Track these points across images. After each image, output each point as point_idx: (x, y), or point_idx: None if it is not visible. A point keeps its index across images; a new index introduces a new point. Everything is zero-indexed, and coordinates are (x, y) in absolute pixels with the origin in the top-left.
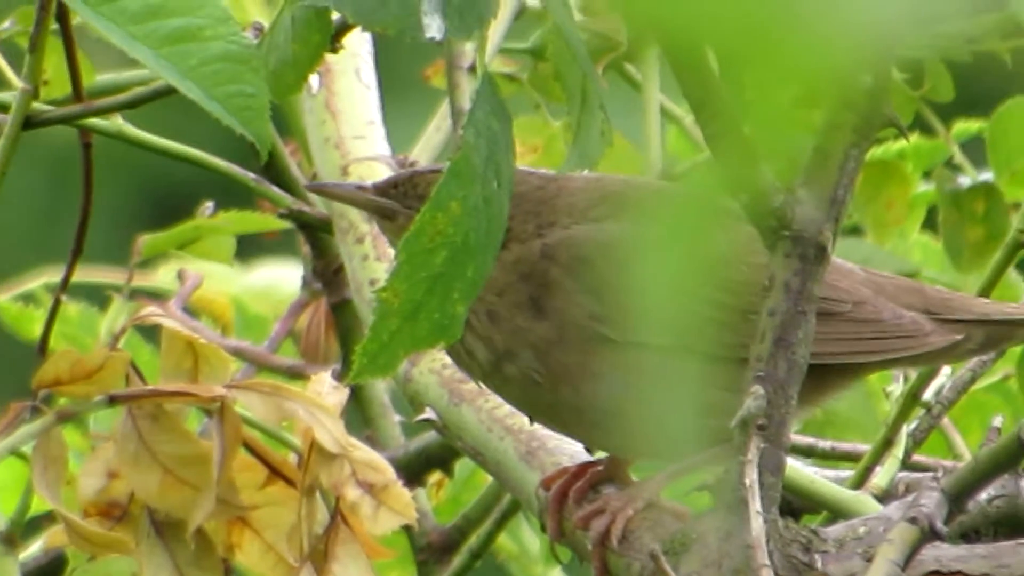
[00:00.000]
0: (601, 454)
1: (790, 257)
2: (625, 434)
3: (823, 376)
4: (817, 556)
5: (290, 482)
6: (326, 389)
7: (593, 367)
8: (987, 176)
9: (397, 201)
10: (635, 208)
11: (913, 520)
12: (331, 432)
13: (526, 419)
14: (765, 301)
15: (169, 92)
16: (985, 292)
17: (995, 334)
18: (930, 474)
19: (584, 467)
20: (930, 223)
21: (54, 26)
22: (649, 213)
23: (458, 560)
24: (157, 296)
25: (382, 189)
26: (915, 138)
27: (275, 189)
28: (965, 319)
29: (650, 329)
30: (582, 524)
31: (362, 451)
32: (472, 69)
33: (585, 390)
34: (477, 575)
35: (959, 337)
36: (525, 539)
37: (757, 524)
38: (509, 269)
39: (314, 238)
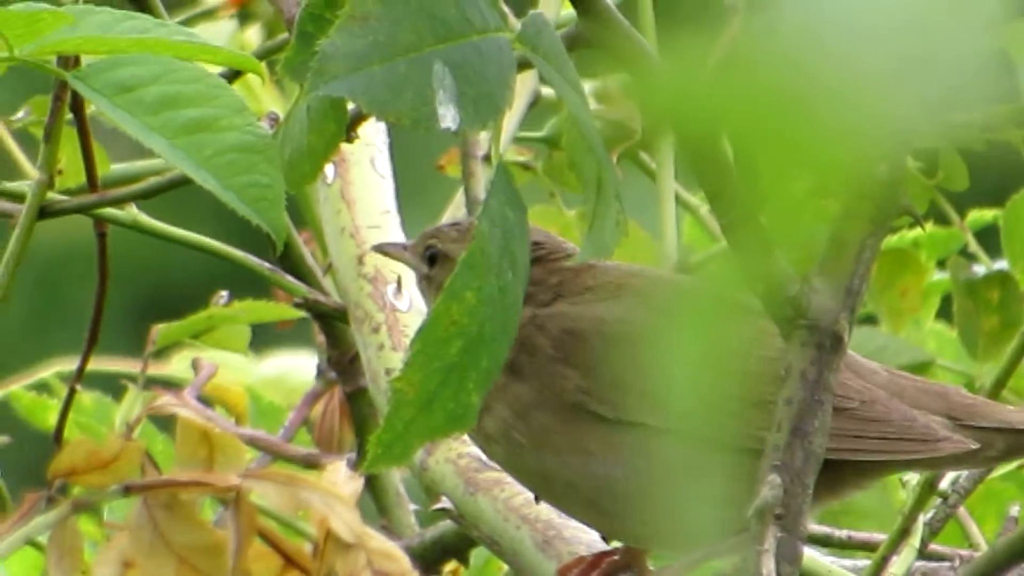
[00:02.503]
0: (618, 543)
1: (806, 346)
2: (625, 518)
3: (836, 473)
4: None
5: (305, 571)
6: (341, 478)
7: (583, 443)
8: (1002, 265)
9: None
10: (643, 293)
11: None
12: (346, 521)
13: (543, 508)
14: (781, 390)
15: (184, 182)
16: (1001, 381)
17: (1017, 443)
18: (947, 563)
19: (600, 556)
20: (945, 312)
21: (69, 116)
22: (656, 299)
23: None
24: (172, 385)
25: (412, 249)
26: (930, 227)
27: (290, 278)
28: (987, 427)
29: (652, 412)
30: (562, 572)
31: (377, 540)
32: (487, 158)
33: (574, 464)
34: None
35: (974, 446)
36: None
37: None
38: None
39: (329, 327)
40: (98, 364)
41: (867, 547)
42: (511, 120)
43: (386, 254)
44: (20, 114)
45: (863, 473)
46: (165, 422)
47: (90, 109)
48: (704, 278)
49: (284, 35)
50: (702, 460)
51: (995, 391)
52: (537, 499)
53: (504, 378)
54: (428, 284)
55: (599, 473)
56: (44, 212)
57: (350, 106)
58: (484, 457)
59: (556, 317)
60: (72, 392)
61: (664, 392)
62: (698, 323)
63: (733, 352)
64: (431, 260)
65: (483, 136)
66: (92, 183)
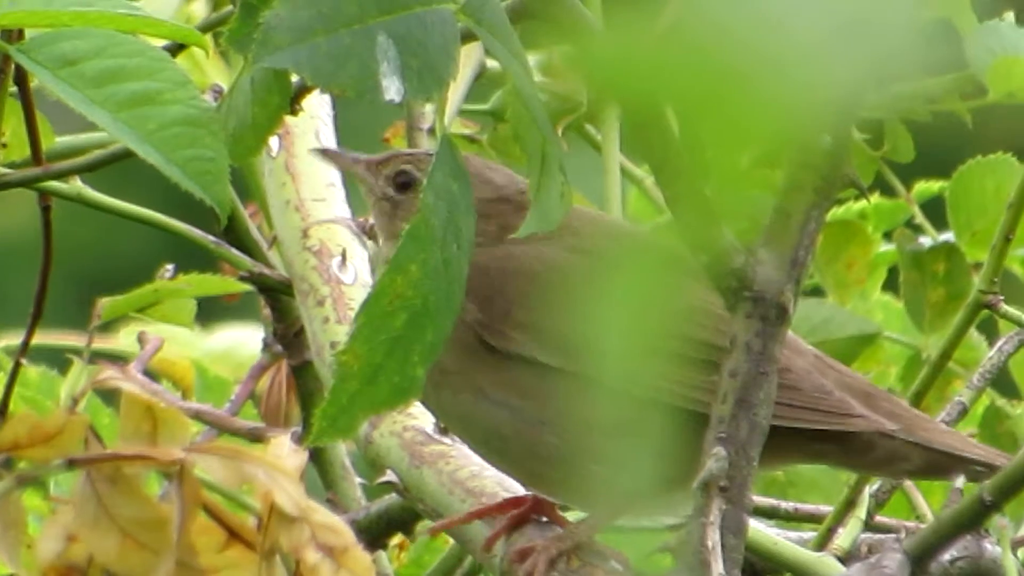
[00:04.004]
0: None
1: (751, 318)
2: (512, 459)
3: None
4: None
5: (250, 545)
6: (286, 452)
7: (473, 377)
8: (948, 237)
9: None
10: (586, 239)
11: None
12: (290, 495)
13: (488, 481)
14: (725, 362)
15: (128, 155)
16: (947, 353)
17: (936, 461)
18: (893, 535)
19: (509, 502)
20: (891, 284)
21: (13, 88)
22: (600, 245)
23: None
24: (118, 359)
25: (368, 167)
26: (876, 198)
27: (235, 252)
28: (908, 439)
29: (580, 359)
30: (516, 559)
31: (322, 514)
32: (432, 131)
33: (464, 399)
34: None
35: (891, 427)
36: None
37: None
38: None
39: (275, 300)
40: (44, 338)
41: (813, 519)
42: (456, 92)
43: (332, 161)
44: None
45: (784, 455)
46: (111, 396)
47: (34, 82)
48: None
49: (229, 8)
50: (627, 415)
51: (941, 363)
52: (445, 431)
53: None
54: (393, 208)
55: (484, 411)
56: None
57: (294, 78)
58: (429, 430)
59: (501, 258)
60: (17, 366)
61: (593, 340)
62: (635, 267)
63: (670, 301)
64: (402, 185)
65: (428, 108)
66: (36, 156)
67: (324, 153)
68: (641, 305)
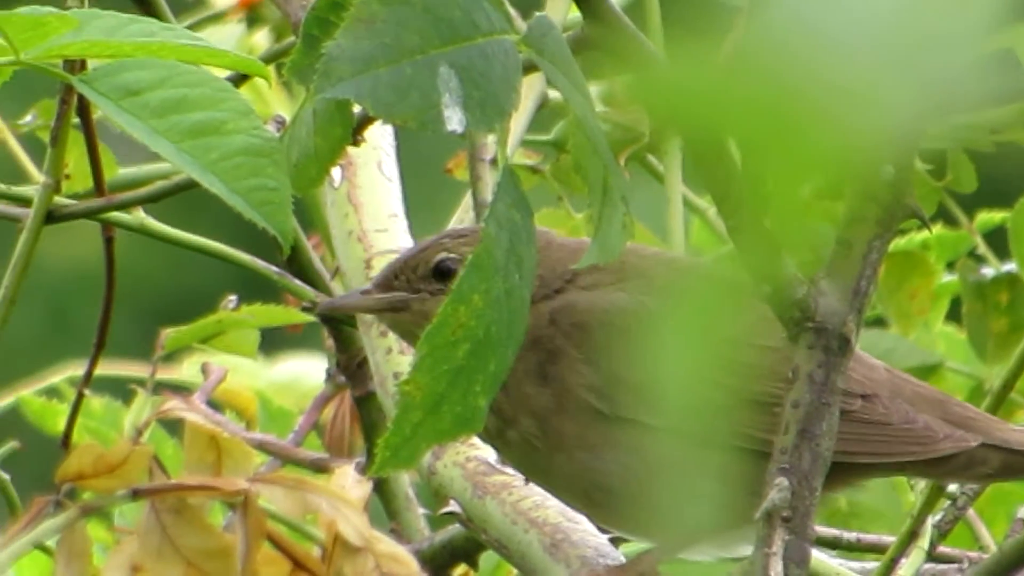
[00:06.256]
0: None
1: (813, 349)
2: (616, 510)
3: (834, 473)
4: None
5: (314, 575)
6: (349, 482)
7: (587, 438)
8: (1010, 267)
9: (402, 290)
10: (650, 279)
11: None
12: (355, 525)
13: (551, 511)
14: (788, 393)
15: (191, 186)
16: (1009, 384)
17: (1013, 463)
18: (955, 565)
19: None
20: (954, 314)
21: (75, 120)
22: (659, 281)
23: None
24: (181, 390)
25: (385, 284)
26: (938, 229)
27: (298, 282)
28: (984, 443)
29: (647, 408)
30: None
31: (386, 544)
32: (494, 161)
33: (577, 459)
34: None
35: (974, 442)
36: None
37: None
38: None
39: (337, 331)
40: (108, 369)
41: (876, 549)
42: (518, 123)
43: (342, 309)
44: (27, 118)
45: (860, 473)
46: (174, 426)
47: (97, 113)
48: (708, 262)
49: (291, 38)
50: (692, 458)
51: (1003, 393)
52: (527, 480)
53: (531, 387)
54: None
55: (595, 468)
56: (51, 216)
57: (356, 109)
58: (492, 460)
59: (565, 310)
60: (80, 396)
61: (657, 387)
62: (698, 309)
63: (732, 341)
64: (446, 272)
65: (490, 139)
66: (99, 187)
67: (323, 311)
68: (709, 346)
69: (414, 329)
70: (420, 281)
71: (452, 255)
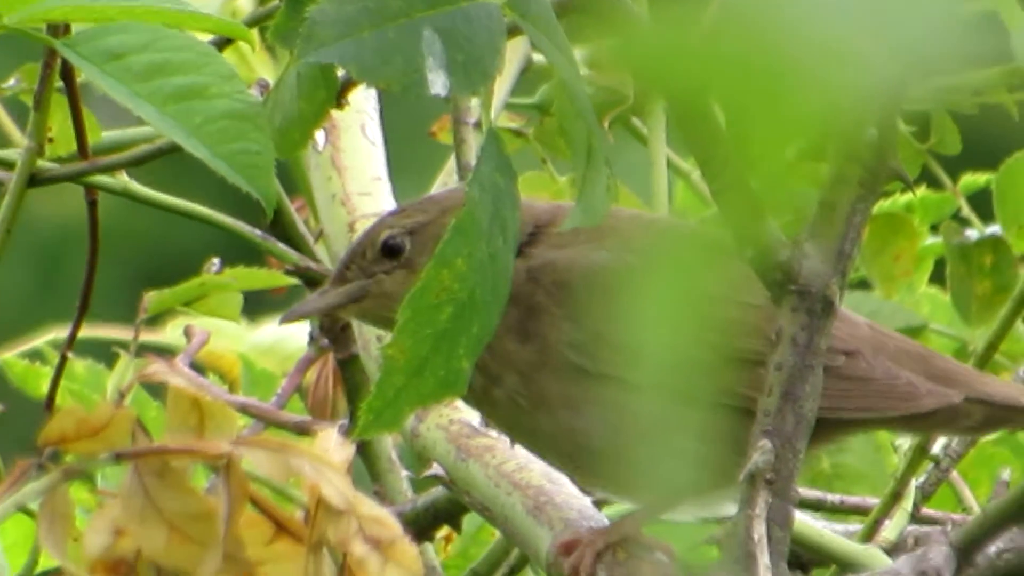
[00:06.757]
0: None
1: (797, 311)
2: (599, 470)
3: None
4: None
5: (297, 538)
6: (332, 445)
7: (571, 396)
8: (995, 229)
9: (357, 279)
10: (629, 238)
11: (923, 574)
12: (337, 488)
13: (534, 474)
14: (771, 355)
15: (174, 150)
16: (993, 345)
17: (995, 415)
18: (939, 527)
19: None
20: (938, 276)
21: (59, 84)
22: (643, 244)
23: None
24: (164, 353)
25: (340, 277)
26: (922, 191)
27: (281, 245)
28: (967, 396)
29: (628, 364)
30: (562, 551)
31: (369, 507)
32: (478, 125)
33: (561, 418)
34: None
35: (956, 399)
36: None
37: None
38: None
39: None
40: (91, 332)
41: (859, 511)
42: (502, 86)
43: (304, 313)
44: (10, 82)
45: (843, 429)
46: (158, 390)
47: (81, 77)
48: (686, 223)
49: (275, 2)
50: (674, 416)
51: (987, 355)
52: (512, 442)
53: (514, 344)
54: (406, 272)
55: (577, 427)
56: (34, 180)
57: (340, 72)
58: (475, 423)
59: (546, 268)
60: (63, 359)
61: (640, 344)
62: (678, 266)
63: (714, 298)
64: (394, 249)
65: (474, 103)
66: (82, 151)
67: (293, 318)
68: (691, 303)
69: (383, 313)
70: (372, 265)
71: (395, 230)
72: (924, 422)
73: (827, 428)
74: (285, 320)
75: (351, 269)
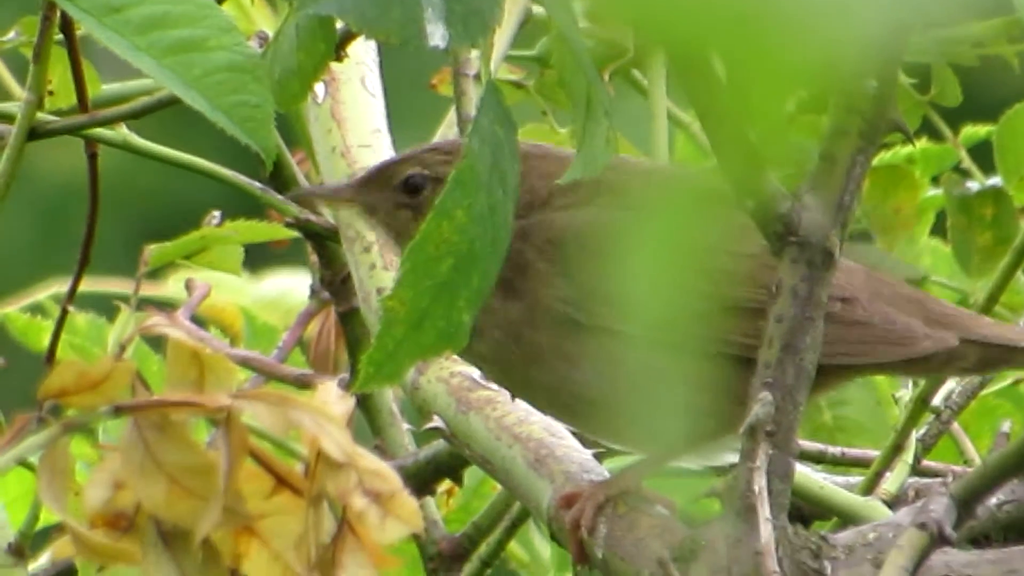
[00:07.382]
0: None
1: (797, 263)
2: (598, 421)
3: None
4: (827, 562)
5: (297, 491)
6: (333, 398)
7: (565, 349)
8: (995, 181)
9: (377, 191)
10: (623, 194)
11: (923, 526)
12: (338, 441)
13: (535, 427)
14: (772, 306)
15: (174, 102)
16: (994, 297)
17: (991, 356)
18: (940, 479)
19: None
20: (939, 228)
21: (59, 36)
22: (634, 196)
23: (468, 568)
24: (166, 306)
25: (364, 183)
26: (923, 143)
27: (281, 198)
28: (962, 338)
29: (623, 316)
30: (563, 504)
31: (369, 460)
32: (478, 77)
33: (558, 369)
34: None
35: (954, 342)
36: (536, 547)
37: (766, 531)
38: None
39: (321, 247)
40: (92, 285)
41: (860, 464)
42: (502, 38)
43: (314, 200)
44: (10, 35)
45: (841, 374)
46: (159, 343)
47: (80, 29)
48: (689, 170)
49: None
50: (670, 365)
51: (988, 306)
52: (513, 396)
53: (497, 300)
54: (414, 213)
55: (575, 379)
56: (34, 133)
57: (339, 25)
58: (476, 376)
59: (539, 226)
60: (64, 313)
61: (634, 295)
62: (673, 217)
63: (708, 248)
64: (414, 188)
65: (474, 55)
66: (82, 104)
67: (300, 197)
68: (687, 250)
69: (383, 229)
70: (391, 191)
71: (424, 171)
72: (921, 365)
73: (825, 374)
74: (292, 196)
75: (374, 182)
